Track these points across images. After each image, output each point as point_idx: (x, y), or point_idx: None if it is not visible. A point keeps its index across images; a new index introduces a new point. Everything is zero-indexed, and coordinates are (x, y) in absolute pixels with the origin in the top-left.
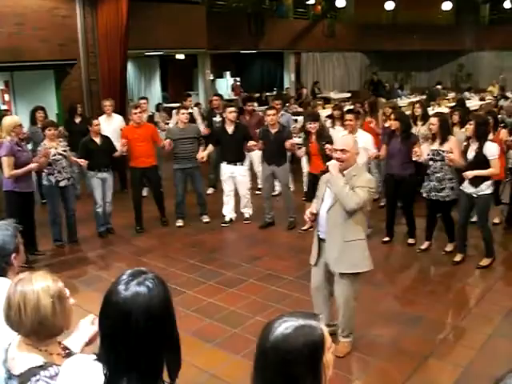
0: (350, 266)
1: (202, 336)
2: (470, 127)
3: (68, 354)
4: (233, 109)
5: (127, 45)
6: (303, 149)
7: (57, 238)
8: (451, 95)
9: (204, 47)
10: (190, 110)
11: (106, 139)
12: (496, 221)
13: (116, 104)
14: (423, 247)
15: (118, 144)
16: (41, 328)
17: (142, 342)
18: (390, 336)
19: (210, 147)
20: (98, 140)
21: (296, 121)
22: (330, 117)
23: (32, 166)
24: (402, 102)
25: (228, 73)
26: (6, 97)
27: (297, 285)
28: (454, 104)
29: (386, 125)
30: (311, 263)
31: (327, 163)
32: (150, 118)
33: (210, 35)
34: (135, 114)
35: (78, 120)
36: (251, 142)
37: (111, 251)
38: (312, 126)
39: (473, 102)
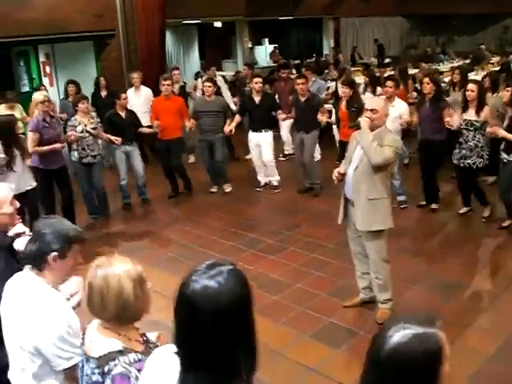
0: (373, 223)
1: None
2: (507, 93)
3: (146, 340)
4: (259, 79)
5: (165, 14)
6: (333, 117)
7: (90, 211)
8: (496, 59)
9: (242, 14)
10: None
11: (131, 113)
12: None
13: (155, 74)
14: (461, 211)
15: (147, 116)
16: (123, 312)
17: (208, 338)
18: (429, 303)
19: (237, 118)
20: (123, 114)
21: (328, 88)
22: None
23: (56, 145)
24: (445, 66)
25: (266, 40)
26: (48, 69)
27: (336, 252)
28: (498, 68)
29: (415, 93)
30: (338, 222)
31: (358, 119)
32: (182, 89)
33: (247, 2)
34: (163, 85)
35: (103, 94)
36: (279, 112)
37: (147, 222)
38: (344, 91)
39: None
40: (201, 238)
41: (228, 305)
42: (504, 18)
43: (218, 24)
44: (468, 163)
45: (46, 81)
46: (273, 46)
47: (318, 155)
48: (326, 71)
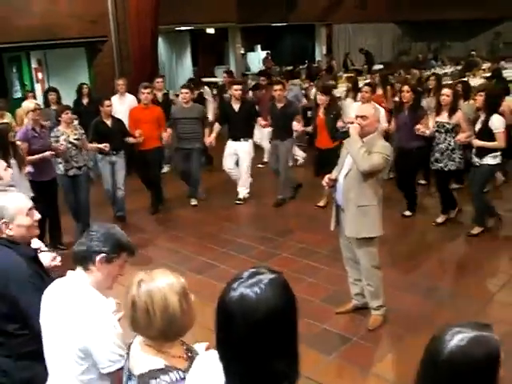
0: (361, 230)
1: None
2: (480, 98)
3: (190, 357)
4: (238, 86)
5: (158, 20)
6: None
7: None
8: (487, 65)
9: (234, 21)
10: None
11: (117, 121)
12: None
13: (148, 80)
14: (439, 221)
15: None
16: (169, 328)
17: (242, 347)
18: (421, 310)
19: (216, 126)
20: (108, 122)
21: (306, 96)
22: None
23: (46, 153)
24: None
25: (259, 46)
26: (40, 75)
27: (330, 258)
28: (489, 74)
29: (396, 98)
30: (331, 229)
31: (349, 125)
32: (165, 96)
33: (240, 9)
34: (143, 93)
35: (85, 101)
36: (259, 119)
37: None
38: (320, 98)
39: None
40: (190, 245)
41: (263, 316)
42: (496, 24)
43: (210, 30)
44: (440, 166)
45: (38, 87)
46: (265, 52)
47: (301, 159)
48: (318, 77)
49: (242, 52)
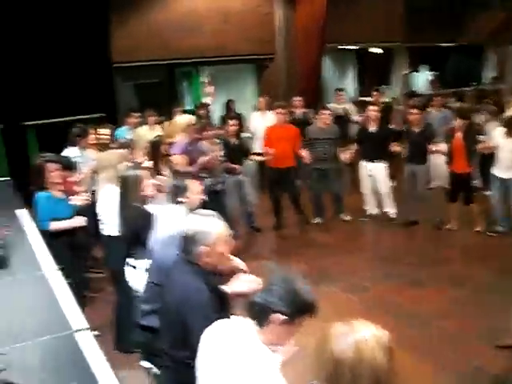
0: None
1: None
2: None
3: None
4: (374, 107)
5: (324, 40)
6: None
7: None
8: None
9: (400, 41)
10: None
11: (242, 140)
12: None
13: (311, 98)
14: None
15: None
16: None
17: None
18: None
19: (353, 146)
20: (233, 140)
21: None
22: None
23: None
24: None
25: (424, 66)
26: (209, 89)
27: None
28: None
29: None
30: None
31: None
32: (305, 115)
33: (406, 28)
34: (278, 113)
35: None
36: (394, 144)
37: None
38: (458, 122)
39: None
40: (340, 265)
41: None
42: None
43: (375, 50)
44: None
45: (206, 100)
46: (431, 72)
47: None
48: (485, 101)
49: (406, 72)
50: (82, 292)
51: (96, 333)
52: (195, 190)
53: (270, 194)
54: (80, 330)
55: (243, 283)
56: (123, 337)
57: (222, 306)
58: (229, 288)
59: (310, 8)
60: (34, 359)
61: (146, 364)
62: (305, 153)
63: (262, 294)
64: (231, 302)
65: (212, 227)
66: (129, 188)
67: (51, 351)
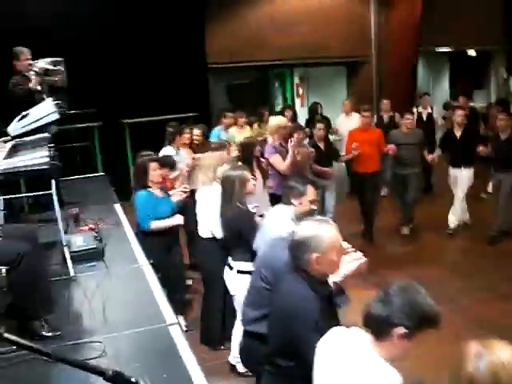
0: None
1: None
2: None
3: None
4: (461, 111)
5: (419, 42)
6: None
7: None
8: None
9: (500, 43)
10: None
11: (329, 145)
12: None
13: (402, 101)
14: None
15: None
16: None
17: None
18: None
19: (438, 151)
20: (321, 145)
21: None
22: None
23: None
24: None
25: None
26: (300, 90)
27: None
28: None
29: None
30: None
31: None
32: (391, 118)
33: (507, 30)
34: (363, 116)
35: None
36: (481, 148)
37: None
38: None
39: None
40: (423, 276)
41: None
42: None
43: (472, 53)
44: None
45: (297, 102)
46: None
47: None
48: None
49: (505, 76)
50: (177, 292)
51: (186, 327)
52: (311, 196)
53: (359, 199)
54: (172, 324)
55: (348, 265)
56: (211, 333)
57: (332, 314)
58: (338, 276)
59: (405, 10)
60: (127, 349)
61: (241, 368)
62: (386, 158)
63: (381, 306)
64: (342, 285)
65: (324, 233)
66: (232, 188)
67: (144, 342)
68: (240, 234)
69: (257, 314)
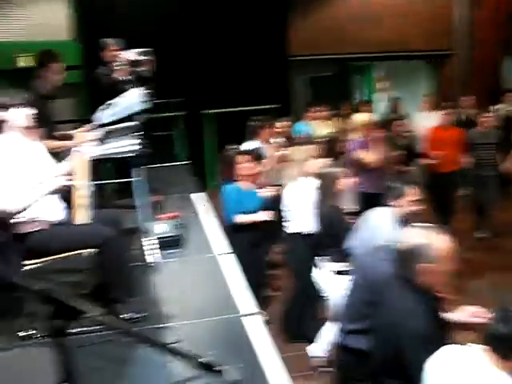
0: None
1: None
2: None
3: None
4: None
5: (506, 36)
6: None
7: None
8: None
9: None
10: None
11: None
12: None
13: (487, 99)
14: None
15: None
16: None
17: None
18: None
19: None
20: (400, 141)
21: None
22: None
23: None
24: None
25: None
26: (380, 85)
27: None
28: None
29: None
30: None
31: None
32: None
33: None
34: (444, 114)
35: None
36: None
37: None
38: None
39: None
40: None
41: None
42: None
43: None
44: None
45: (376, 96)
46: None
47: None
48: None
49: None
50: (261, 290)
51: (266, 318)
52: (412, 197)
53: (435, 200)
54: (251, 315)
55: (468, 313)
56: (292, 326)
57: (442, 330)
58: (452, 316)
59: (492, 5)
60: (203, 336)
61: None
62: (465, 158)
63: (502, 326)
64: (451, 329)
65: (436, 242)
66: (329, 185)
67: (220, 331)
68: (332, 233)
69: (355, 327)
